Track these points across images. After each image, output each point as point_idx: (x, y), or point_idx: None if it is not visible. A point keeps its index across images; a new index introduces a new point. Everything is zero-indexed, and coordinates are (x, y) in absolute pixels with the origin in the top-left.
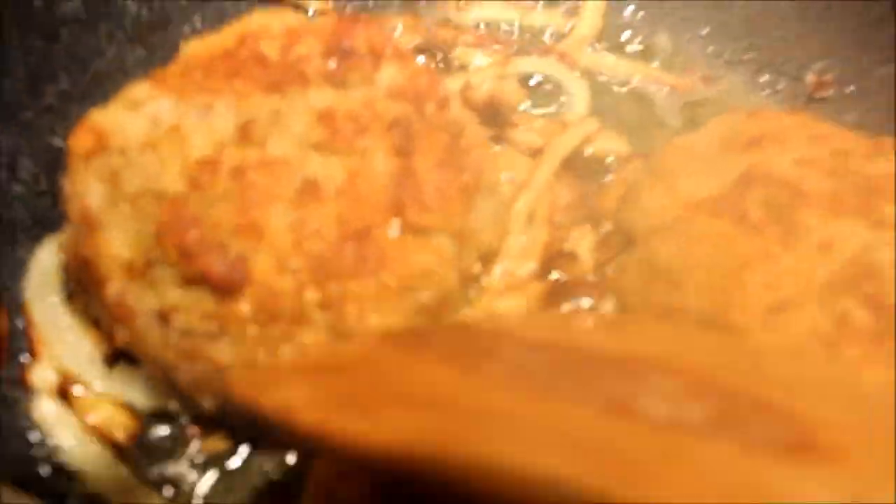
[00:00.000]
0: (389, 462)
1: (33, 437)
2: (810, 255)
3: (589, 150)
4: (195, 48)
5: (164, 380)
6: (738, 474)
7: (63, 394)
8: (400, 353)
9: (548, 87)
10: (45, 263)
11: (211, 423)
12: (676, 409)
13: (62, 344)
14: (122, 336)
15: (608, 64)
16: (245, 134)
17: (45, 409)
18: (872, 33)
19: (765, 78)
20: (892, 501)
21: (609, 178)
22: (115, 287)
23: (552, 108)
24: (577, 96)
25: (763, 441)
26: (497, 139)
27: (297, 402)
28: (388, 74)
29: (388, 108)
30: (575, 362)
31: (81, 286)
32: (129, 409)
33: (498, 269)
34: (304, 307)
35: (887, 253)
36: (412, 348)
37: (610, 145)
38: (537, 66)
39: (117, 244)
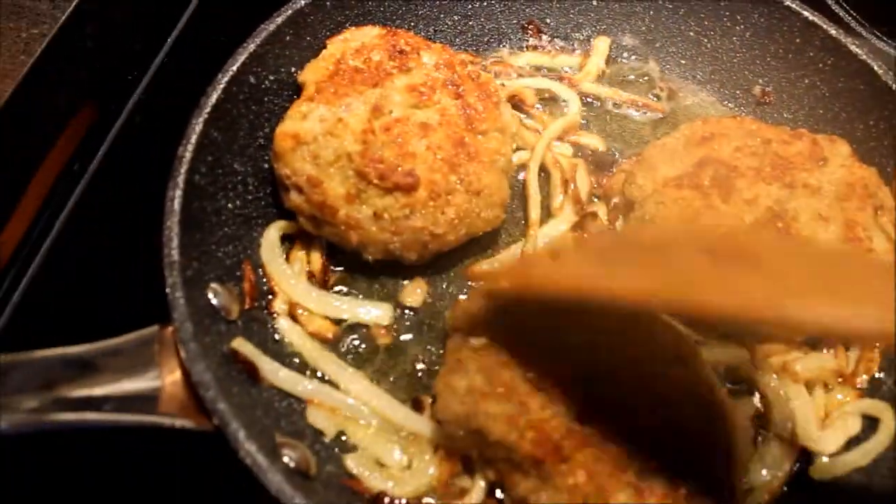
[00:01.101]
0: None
1: (278, 341)
2: (740, 206)
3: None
4: (311, 75)
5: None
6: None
7: (292, 315)
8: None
9: (551, 96)
10: (271, 238)
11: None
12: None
13: (288, 285)
14: (354, 238)
15: (603, 91)
16: (376, 110)
17: (283, 325)
18: (797, 57)
19: (725, 91)
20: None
21: (614, 169)
22: (343, 211)
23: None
24: (571, 103)
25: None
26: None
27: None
28: (427, 58)
29: (437, 76)
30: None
31: (316, 221)
32: (332, 321)
33: (545, 229)
34: (451, 184)
35: (793, 203)
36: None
37: (590, 141)
38: (547, 84)
39: (335, 186)
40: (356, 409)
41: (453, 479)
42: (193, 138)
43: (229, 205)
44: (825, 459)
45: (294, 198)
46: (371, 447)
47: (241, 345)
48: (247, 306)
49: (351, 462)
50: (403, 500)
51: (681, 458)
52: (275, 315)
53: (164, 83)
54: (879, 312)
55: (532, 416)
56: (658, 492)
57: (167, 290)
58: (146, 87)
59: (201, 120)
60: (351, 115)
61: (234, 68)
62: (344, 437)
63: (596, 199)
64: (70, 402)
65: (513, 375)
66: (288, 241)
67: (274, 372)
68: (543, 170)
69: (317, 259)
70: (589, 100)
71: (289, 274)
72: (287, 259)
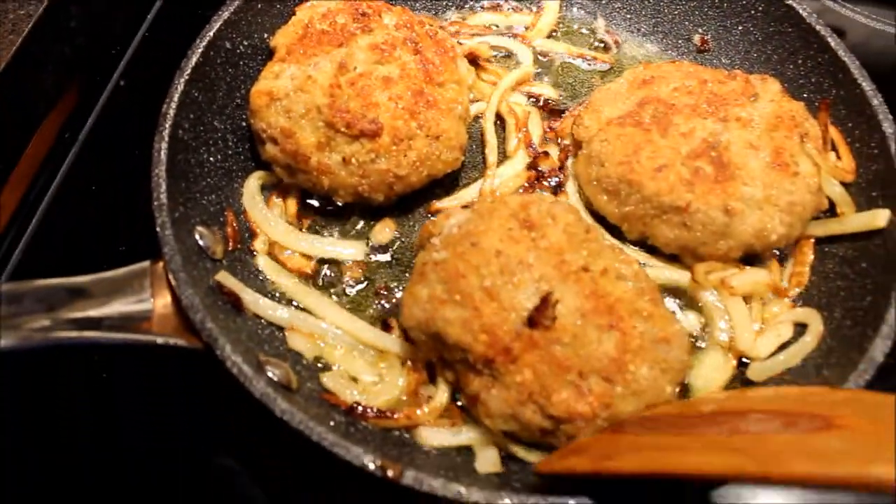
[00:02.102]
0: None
1: (260, 278)
2: (677, 139)
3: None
4: (282, 38)
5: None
6: (803, 443)
7: (272, 255)
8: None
9: (507, 53)
10: (251, 187)
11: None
12: (769, 429)
13: (267, 227)
14: (325, 182)
15: (554, 46)
16: (342, 67)
17: (263, 262)
18: (731, 5)
19: (668, 42)
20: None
21: (565, 114)
22: (314, 158)
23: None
24: (525, 57)
25: (806, 430)
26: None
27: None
28: (388, 19)
29: (398, 35)
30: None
31: (290, 169)
32: (309, 258)
33: (501, 169)
34: (411, 130)
35: (727, 135)
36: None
37: (542, 90)
38: (502, 41)
39: (307, 136)
40: (331, 333)
41: (420, 387)
42: (176, 97)
43: (211, 158)
44: (761, 362)
45: (270, 149)
46: (345, 365)
47: (225, 277)
48: (230, 248)
49: (327, 379)
50: (375, 409)
51: (622, 363)
52: (255, 253)
53: (145, 57)
54: None
55: (485, 320)
56: (597, 391)
57: (157, 228)
58: (128, 60)
59: (182, 80)
60: (319, 72)
61: (211, 34)
62: (321, 363)
63: (548, 142)
64: (70, 323)
65: (470, 285)
66: (266, 190)
67: (255, 301)
68: (500, 118)
69: (293, 205)
70: (541, 55)
71: (269, 217)
72: (267, 206)
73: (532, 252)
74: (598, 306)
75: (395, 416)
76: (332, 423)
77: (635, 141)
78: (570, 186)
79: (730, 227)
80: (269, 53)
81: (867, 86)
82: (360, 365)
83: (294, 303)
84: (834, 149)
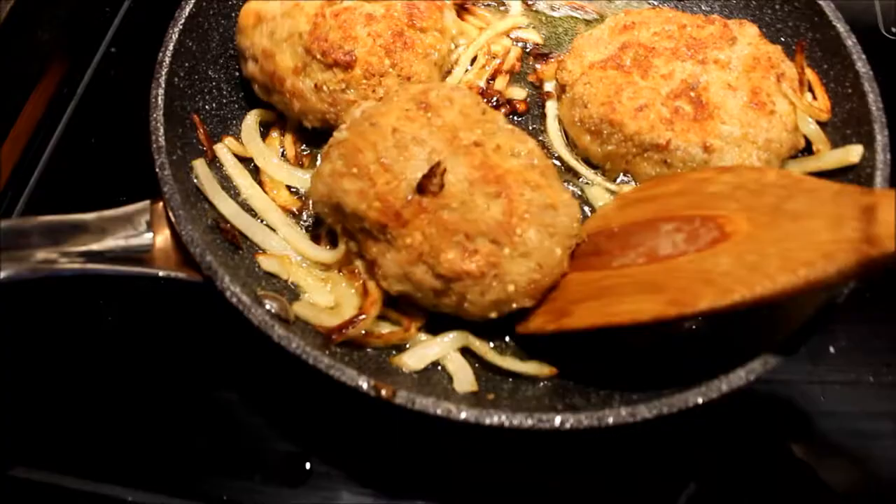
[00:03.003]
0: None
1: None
2: (657, 81)
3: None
4: None
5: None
6: (705, 270)
7: (261, 182)
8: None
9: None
10: (249, 122)
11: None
12: (675, 244)
13: (262, 159)
14: (296, 106)
15: None
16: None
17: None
18: None
19: None
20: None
21: (549, 60)
22: (289, 81)
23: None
24: (514, 4)
25: (705, 244)
26: (459, 16)
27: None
28: None
29: None
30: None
31: (266, 89)
32: (296, 195)
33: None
34: (384, 67)
35: (705, 76)
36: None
37: (529, 35)
38: None
39: (286, 59)
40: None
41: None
42: (171, 46)
43: (206, 106)
44: None
45: (250, 67)
46: (310, 291)
47: (200, 166)
48: (209, 157)
49: (298, 307)
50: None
51: (510, 226)
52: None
53: (137, 17)
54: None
55: (378, 189)
56: (484, 251)
57: (156, 169)
58: (122, 18)
59: (177, 30)
60: (308, 1)
61: None
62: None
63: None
64: (75, 255)
65: (366, 159)
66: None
67: (226, 203)
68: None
69: (290, 144)
70: (530, 2)
71: (264, 150)
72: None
73: (426, 129)
74: (487, 176)
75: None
76: (327, 352)
77: (617, 83)
78: (552, 126)
79: (709, 163)
80: None
81: (841, 27)
82: (317, 287)
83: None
84: (810, 89)
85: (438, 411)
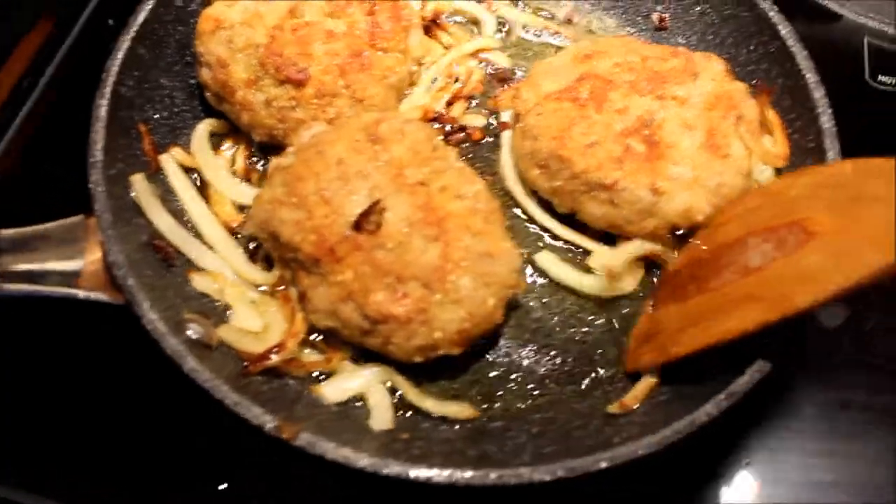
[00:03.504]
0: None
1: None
2: (612, 116)
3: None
4: None
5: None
6: (798, 271)
7: (207, 196)
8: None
9: (473, 19)
10: (200, 132)
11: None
12: (765, 255)
13: (209, 170)
14: (245, 118)
15: (518, 16)
16: (292, 12)
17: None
18: None
19: (627, 18)
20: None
21: (506, 87)
22: (240, 93)
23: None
24: (488, 24)
25: (793, 247)
26: (429, 31)
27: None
28: None
29: None
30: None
31: (218, 98)
32: (240, 209)
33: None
34: (337, 88)
35: (662, 113)
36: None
37: (497, 59)
38: (468, 6)
39: (239, 70)
40: (221, 267)
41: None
42: (119, 55)
43: (156, 115)
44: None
45: (204, 73)
46: (239, 313)
47: (139, 181)
48: (153, 169)
49: (223, 332)
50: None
51: (444, 272)
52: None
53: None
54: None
55: (315, 222)
56: (414, 296)
57: (90, 185)
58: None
59: (128, 38)
60: (270, 11)
61: None
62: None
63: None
64: (1, 275)
65: (307, 189)
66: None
67: (162, 218)
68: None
69: (242, 156)
70: (501, 23)
71: (212, 161)
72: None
73: (372, 163)
74: (427, 218)
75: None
76: (244, 382)
77: (570, 116)
78: (505, 157)
79: (656, 206)
80: None
81: (811, 77)
82: (248, 311)
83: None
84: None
85: (337, 458)
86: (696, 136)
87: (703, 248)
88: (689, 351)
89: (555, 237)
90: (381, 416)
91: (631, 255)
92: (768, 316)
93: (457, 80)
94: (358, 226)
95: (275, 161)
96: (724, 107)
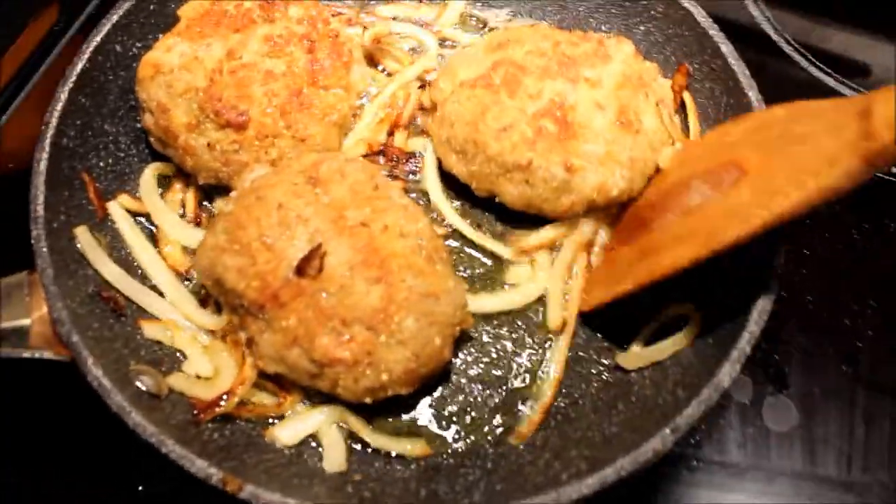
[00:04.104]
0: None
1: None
2: (524, 100)
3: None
4: (188, 11)
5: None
6: (729, 207)
7: (155, 242)
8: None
9: (413, 42)
10: (147, 176)
11: None
12: (703, 194)
13: (156, 212)
14: (189, 162)
15: (460, 37)
16: (230, 54)
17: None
18: (633, 5)
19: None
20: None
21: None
22: (182, 137)
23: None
24: (430, 46)
25: (728, 185)
26: (372, 62)
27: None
28: (294, 11)
29: (296, 30)
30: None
31: (162, 143)
32: (187, 255)
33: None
34: (278, 129)
35: (573, 95)
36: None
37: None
38: (407, 30)
39: (180, 115)
40: (171, 313)
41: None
42: (59, 106)
43: (101, 163)
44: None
45: (147, 119)
46: (190, 359)
47: (83, 233)
48: (99, 216)
49: (173, 380)
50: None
51: (388, 314)
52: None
53: None
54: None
55: (258, 268)
56: (359, 339)
57: (32, 241)
58: None
59: (66, 89)
60: (207, 55)
61: (98, 38)
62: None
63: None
64: None
65: (249, 235)
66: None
67: (109, 268)
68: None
69: (192, 199)
70: (443, 45)
71: (162, 208)
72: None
73: (312, 206)
74: (369, 260)
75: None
76: (194, 431)
77: (484, 102)
78: (429, 146)
79: (570, 183)
80: None
81: (753, 95)
82: (200, 357)
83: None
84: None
85: None
86: (608, 115)
87: (652, 191)
88: (633, 287)
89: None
90: (334, 458)
91: (542, 238)
92: (700, 251)
93: (393, 109)
94: (300, 271)
95: (218, 205)
96: (633, 86)
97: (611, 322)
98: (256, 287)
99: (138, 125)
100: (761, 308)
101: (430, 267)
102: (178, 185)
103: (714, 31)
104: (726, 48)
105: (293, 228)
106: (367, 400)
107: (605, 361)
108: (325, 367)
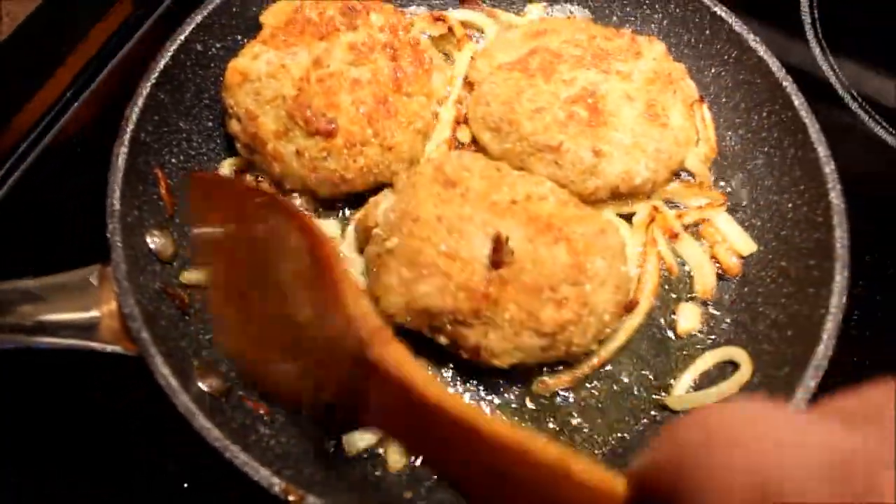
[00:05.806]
0: None
1: None
2: (558, 86)
3: None
4: (270, 18)
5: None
6: None
7: None
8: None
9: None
10: (223, 172)
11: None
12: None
13: None
14: (277, 169)
15: (515, 19)
16: (316, 62)
17: None
18: (706, 48)
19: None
20: None
21: None
22: (271, 145)
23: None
24: (489, 32)
25: None
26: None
27: None
28: (375, 18)
29: (379, 38)
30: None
31: (249, 149)
32: None
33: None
34: (366, 137)
35: (605, 85)
36: None
37: None
38: (470, 16)
39: (268, 122)
40: None
41: None
42: (140, 101)
43: (174, 160)
44: (677, 393)
45: (234, 125)
46: None
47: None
48: (168, 213)
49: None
50: None
51: (580, 264)
52: None
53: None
54: None
55: (457, 279)
56: (572, 296)
57: (108, 234)
58: None
59: (148, 84)
60: (294, 63)
61: (182, 37)
62: None
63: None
64: (20, 328)
65: (430, 256)
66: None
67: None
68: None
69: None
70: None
71: None
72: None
73: (465, 205)
74: (538, 227)
75: None
76: (253, 437)
77: (520, 84)
78: None
79: (597, 167)
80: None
81: (822, 151)
82: None
83: None
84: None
85: None
86: (637, 107)
87: None
88: None
89: None
90: (398, 460)
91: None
92: None
93: (460, 103)
94: (496, 264)
95: (371, 251)
96: (663, 82)
97: (660, 360)
98: (465, 297)
99: (210, 124)
100: (817, 364)
101: (582, 211)
102: (249, 178)
103: (787, 83)
104: (798, 101)
105: (464, 231)
106: (594, 347)
107: (655, 396)
108: (556, 336)
